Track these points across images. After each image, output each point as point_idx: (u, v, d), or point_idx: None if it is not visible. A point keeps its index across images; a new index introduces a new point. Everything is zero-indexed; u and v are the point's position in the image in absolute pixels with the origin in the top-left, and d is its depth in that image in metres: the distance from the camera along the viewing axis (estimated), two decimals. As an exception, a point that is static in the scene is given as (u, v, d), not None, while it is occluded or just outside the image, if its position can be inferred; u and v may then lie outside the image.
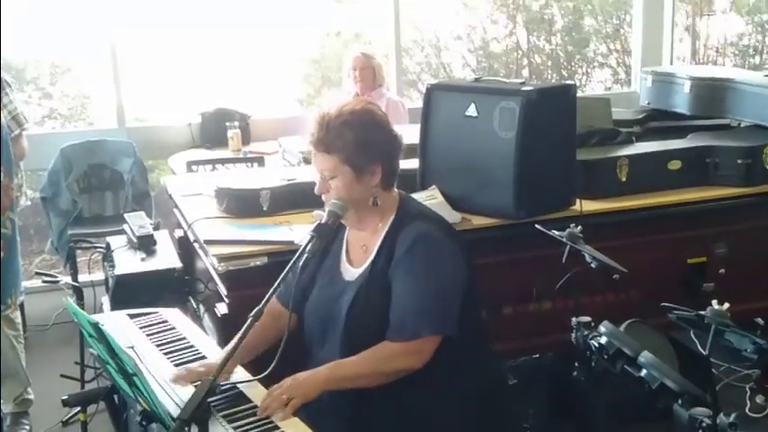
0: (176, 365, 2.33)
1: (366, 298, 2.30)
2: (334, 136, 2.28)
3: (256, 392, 2.21)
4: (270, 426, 2.05)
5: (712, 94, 4.23)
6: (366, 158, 2.30)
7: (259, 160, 5.06)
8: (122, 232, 3.51)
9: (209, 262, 3.11)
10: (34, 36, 6.36)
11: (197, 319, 3.29)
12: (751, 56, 8.87)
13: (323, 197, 2.35)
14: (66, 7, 6.06)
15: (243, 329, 2.10)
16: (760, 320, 3.89)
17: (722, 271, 3.65)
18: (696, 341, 3.68)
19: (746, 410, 3.80)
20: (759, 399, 3.88)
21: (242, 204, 3.39)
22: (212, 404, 2.02)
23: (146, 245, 3.33)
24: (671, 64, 6.70)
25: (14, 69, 6.41)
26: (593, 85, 9.06)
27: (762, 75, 4.42)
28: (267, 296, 2.13)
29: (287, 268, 2.18)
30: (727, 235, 3.66)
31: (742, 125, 4.24)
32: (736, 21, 8.90)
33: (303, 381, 2.18)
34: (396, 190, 2.44)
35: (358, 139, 2.28)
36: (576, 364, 2.70)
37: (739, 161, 3.68)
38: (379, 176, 2.34)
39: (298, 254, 2.21)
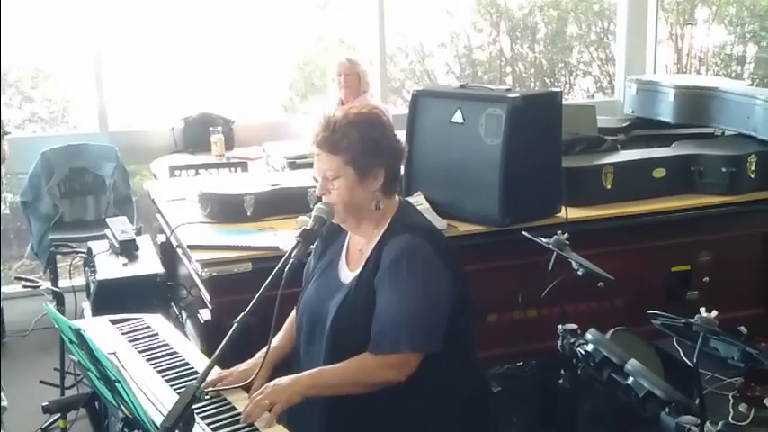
0: (159, 372, 2.31)
1: (353, 303, 2.28)
2: (339, 135, 2.26)
3: (240, 399, 2.19)
4: (254, 432, 2.04)
5: (696, 103, 4.25)
6: (370, 160, 2.28)
7: (243, 165, 5.04)
8: (104, 237, 3.48)
9: (192, 268, 3.08)
10: (16, 40, 6.30)
11: (179, 325, 3.27)
12: (733, 66, 8.92)
13: (323, 199, 2.33)
14: (49, 11, 6.02)
15: (228, 335, 2.08)
16: (743, 329, 3.92)
17: (706, 279, 3.67)
18: (679, 349, 3.70)
19: (729, 418, 3.82)
20: (742, 407, 3.90)
21: (226, 210, 3.37)
22: (196, 411, 1.99)
23: (128, 250, 3.30)
24: (654, 73, 6.73)
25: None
26: (576, 93, 9.10)
27: (745, 84, 4.45)
28: (253, 302, 2.11)
29: (272, 274, 2.16)
30: (712, 243, 3.67)
31: (726, 134, 4.26)
32: (719, 30, 8.97)
33: (286, 386, 2.16)
34: (397, 197, 2.42)
35: (364, 139, 2.27)
36: (562, 371, 2.69)
37: (723, 170, 3.70)
38: (381, 181, 2.32)
39: (283, 259, 2.19)
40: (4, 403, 4.00)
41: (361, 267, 2.33)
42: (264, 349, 2.27)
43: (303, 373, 2.22)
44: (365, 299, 2.27)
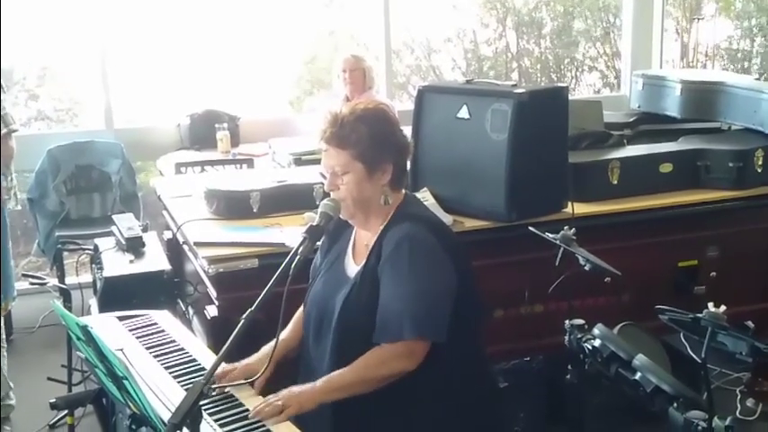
0: (166, 368, 2.31)
1: (358, 296, 2.29)
2: (348, 131, 2.27)
3: (248, 396, 2.20)
4: (261, 429, 2.04)
5: (703, 98, 4.23)
6: (378, 155, 2.29)
7: (248, 162, 5.03)
8: (110, 234, 3.49)
9: (198, 264, 3.08)
10: (22, 38, 6.31)
11: (186, 321, 3.27)
12: (740, 60, 8.89)
13: (332, 195, 2.33)
14: (54, 9, 6.02)
15: (235, 332, 2.08)
16: (750, 324, 3.90)
17: (713, 274, 3.65)
18: (686, 344, 3.69)
19: (737, 414, 3.81)
20: (750, 402, 3.89)
21: (232, 206, 3.37)
22: (203, 407, 1.99)
23: (134, 247, 3.30)
24: (660, 67, 6.70)
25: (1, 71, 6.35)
26: (582, 88, 9.08)
27: (752, 78, 4.43)
28: (259, 298, 2.11)
29: (279, 270, 2.16)
30: (719, 238, 3.66)
31: (733, 128, 4.25)
32: (725, 25, 8.94)
33: (300, 393, 2.17)
34: (403, 191, 2.42)
35: (372, 134, 2.28)
36: (569, 366, 2.69)
37: (730, 164, 3.68)
38: (389, 175, 2.33)
39: (290, 256, 2.19)
40: (12, 401, 4.01)
41: (365, 258, 2.33)
42: (271, 343, 2.27)
43: (316, 382, 2.22)
44: (369, 291, 2.28)
